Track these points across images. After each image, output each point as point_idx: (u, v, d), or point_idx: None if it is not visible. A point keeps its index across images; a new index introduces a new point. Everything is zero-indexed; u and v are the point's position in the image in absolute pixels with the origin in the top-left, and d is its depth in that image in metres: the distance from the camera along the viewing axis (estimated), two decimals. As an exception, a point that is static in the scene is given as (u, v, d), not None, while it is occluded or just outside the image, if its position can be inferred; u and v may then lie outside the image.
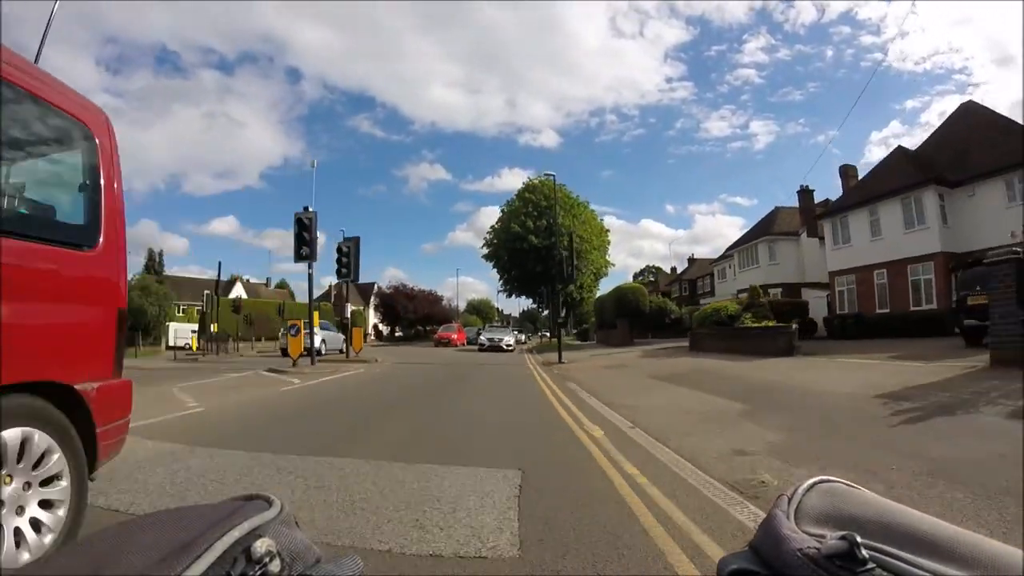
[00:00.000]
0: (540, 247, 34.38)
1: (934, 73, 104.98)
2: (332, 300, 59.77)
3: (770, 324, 11.99)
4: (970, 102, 21.88)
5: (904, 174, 19.62)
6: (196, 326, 31.19)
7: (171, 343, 27.66)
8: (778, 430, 4.24)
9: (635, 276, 77.33)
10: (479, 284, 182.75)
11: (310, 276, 11.59)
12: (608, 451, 3.65)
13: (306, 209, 10.98)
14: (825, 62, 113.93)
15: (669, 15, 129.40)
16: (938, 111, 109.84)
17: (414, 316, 53.50)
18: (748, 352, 11.28)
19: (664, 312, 26.57)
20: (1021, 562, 0.26)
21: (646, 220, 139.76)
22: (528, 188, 38.56)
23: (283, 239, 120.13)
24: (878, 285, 19.48)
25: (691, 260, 45.62)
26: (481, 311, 68.42)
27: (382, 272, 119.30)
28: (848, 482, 0.34)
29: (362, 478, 2.91)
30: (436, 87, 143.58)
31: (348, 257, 13.74)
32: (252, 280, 59.09)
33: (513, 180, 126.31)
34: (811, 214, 25.04)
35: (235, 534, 0.28)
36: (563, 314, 43.85)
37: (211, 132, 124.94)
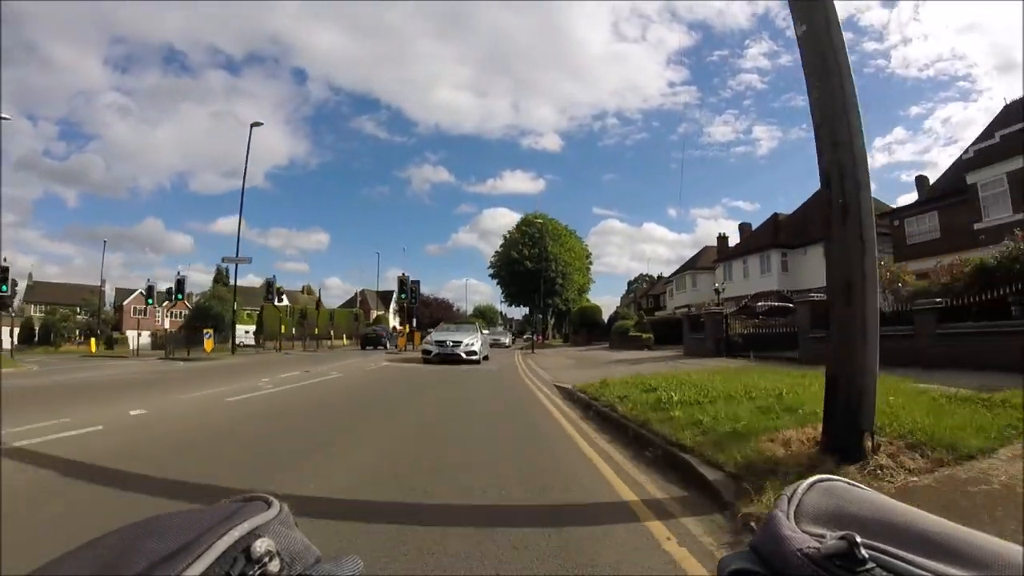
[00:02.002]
0: (533, 270, 45.81)
1: (938, 80, 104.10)
2: (358, 305, 71.64)
3: (641, 334, 23.29)
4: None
5: (765, 237, 31.02)
6: (251, 327, 42.44)
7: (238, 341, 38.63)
8: (571, 364, 15.51)
9: (629, 283, 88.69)
10: (482, 286, 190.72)
11: (409, 310, 22.91)
12: (523, 369, 14.96)
13: (403, 274, 22.39)
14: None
15: (671, 19, 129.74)
16: (941, 118, 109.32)
17: (429, 320, 64.97)
18: (628, 348, 22.49)
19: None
20: (1022, 559, 0.26)
21: (648, 223, 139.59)
22: (525, 222, 49.99)
23: (287, 238, 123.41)
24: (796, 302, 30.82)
25: (659, 277, 56.88)
26: (486, 316, 79.25)
27: (384, 273, 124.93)
28: (848, 480, 0.35)
29: (460, 367, 14.28)
30: (441, 90, 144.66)
31: (414, 293, 25.16)
32: (285, 286, 70.87)
33: (515, 183, 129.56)
34: (723, 255, 36.27)
35: (235, 534, 0.28)
36: (553, 322, 55.20)
37: (218, 131, 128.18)
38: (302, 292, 72.28)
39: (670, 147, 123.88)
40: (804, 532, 0.29)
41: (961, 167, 21.07)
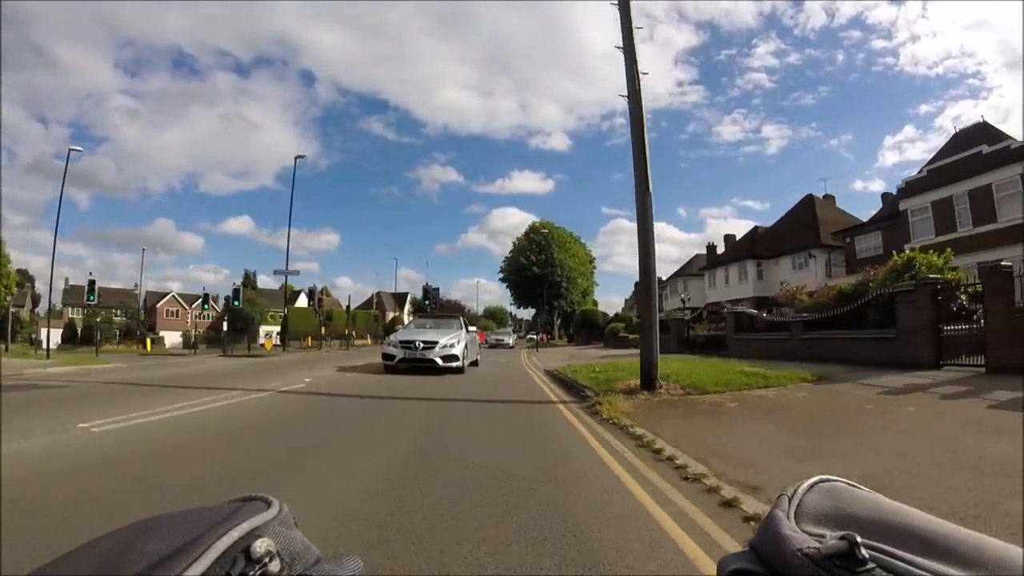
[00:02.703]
0: (540, 275, 50.34)
1: (947, 78, 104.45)
2: (375, 306, 76.30)
3: (628, 335, 27.71)
4: (810, 195, 37.19)
5: (743, 248, 35.26)
6: (277, 328, 47.30)
7: (261, 341, 43.42)
8: (563, 358, 20.03)
9: (636, 284, 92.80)
10: (492, 286, 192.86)
11: (433, 309, 27.55)
12: (525, 361, 19.49)
13: (428, 284, 26.98)
14: (836, 66, 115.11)
15: (678, 19, 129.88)
16: (951, 115, 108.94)
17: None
18: (617, 347, 26.90)
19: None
20: (1022, 561, 0.27)
21: (658, 223, 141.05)
22: (532, 230, 54.55)
23: (297, 239, 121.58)
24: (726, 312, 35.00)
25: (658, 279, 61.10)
26: (497, 316, 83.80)
27: (395, 273, 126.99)
28: (849, 481, 0.36)
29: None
30: (449, 90, 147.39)
31: (436, 298, 29.78)
32: (296, 286, 76.22)
33: (523, 183, 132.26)
34: (710, 263, 40.49)
35: (234, 534, 0.29)
36: (559, 322, 59.70)
37: (227, 133, 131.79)
38: (321, 295, 77.19)
39: (679, 146, 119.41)
40: (804, 532, 0.30)
41: (898, 195, 25.25)
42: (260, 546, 0.29)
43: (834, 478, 0.36)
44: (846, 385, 8.33)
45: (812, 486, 0.35)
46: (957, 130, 27.80)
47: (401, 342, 12.22)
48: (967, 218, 21.62)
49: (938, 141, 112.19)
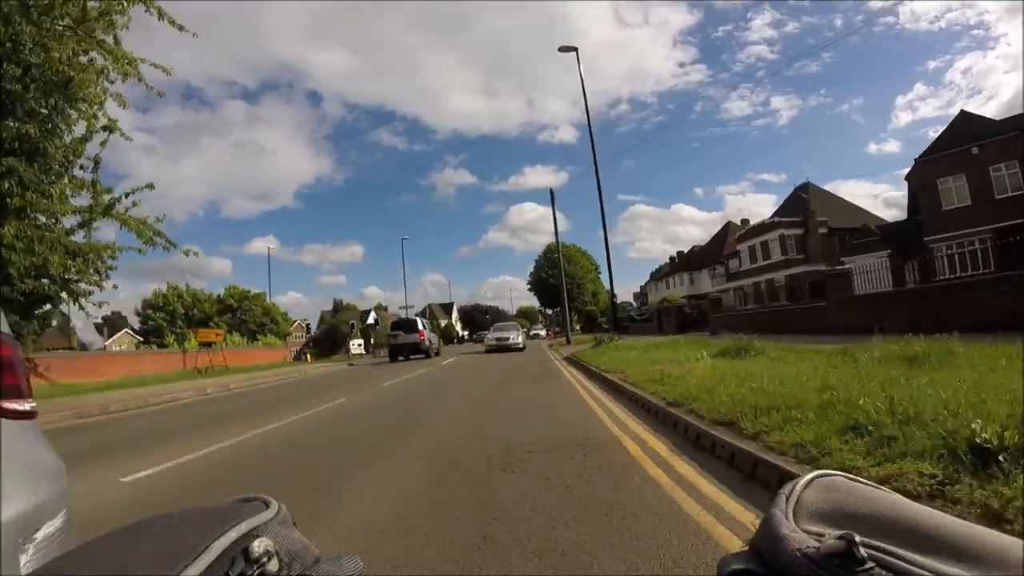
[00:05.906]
0: (556, 285, 75.18)
1: (950, 31, 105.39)
2: (427, 316, 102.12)
3: (604, 324, 52.65)
4: (728, 222, 61.22)
5: (681, 263, 59.72)
6: (361, 340, 73.23)
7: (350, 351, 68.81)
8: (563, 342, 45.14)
9: (652, 273, 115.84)
10: (519, 283, 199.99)
11: (483, 321, 53.03)
12: (542, 347, 44.57)
13: (487, 305, 52.31)
14: (836, 31, 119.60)
15: None
16: (961, 68, 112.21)
17: (485, 324, 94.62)
18: (597, 332, 51.67)
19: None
20: (1022, 554, 0.28)
21: (677, 205, 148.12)
22: (551, 248, 79.36)
23: (321, 253, 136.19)
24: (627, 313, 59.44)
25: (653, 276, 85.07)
26: (529, 316, 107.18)
27: (421, 278, 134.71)
28: (847, 475, 0.38)
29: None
30: (454, 95, 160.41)
31: (488, 313, 55.28)
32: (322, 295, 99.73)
33: (537, 177, 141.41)
34: (670, 271, 64.61)
35: (233, 535, 0.30)
36: (574, 318, 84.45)
37: (243, 158, 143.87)
38: (384, 309, 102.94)
39: (689, 127, 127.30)
40: (803, 531, 0.32)
41: (736, 241, 49.30)
42: (259, 546, 0.30)
43: (833, 472, 0.38)
44: (628, 339, 33.03)
45: (810, 482, 0.37)
46: (795, 188, 51.53)
47: None
48: (762, 257, 45.65)
49: (951, 95, 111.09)
